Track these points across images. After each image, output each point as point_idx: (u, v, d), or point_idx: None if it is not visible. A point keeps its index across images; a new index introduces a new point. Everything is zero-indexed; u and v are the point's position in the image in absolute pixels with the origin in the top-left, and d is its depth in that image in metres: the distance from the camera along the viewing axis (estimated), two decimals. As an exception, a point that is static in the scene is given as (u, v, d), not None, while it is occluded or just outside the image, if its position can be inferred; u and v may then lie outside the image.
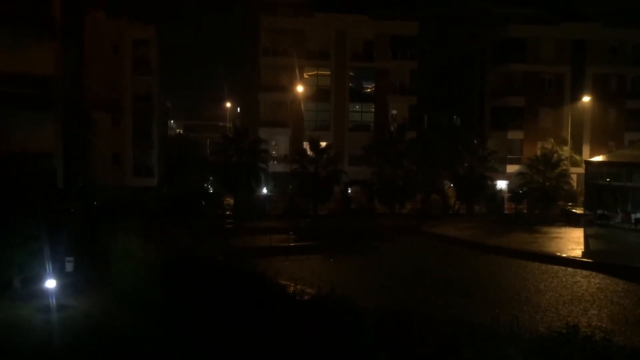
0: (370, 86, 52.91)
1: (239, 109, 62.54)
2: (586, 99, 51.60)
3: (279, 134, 50.97)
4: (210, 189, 45.63)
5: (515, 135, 53.42)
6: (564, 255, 30.15)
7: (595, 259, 29.12)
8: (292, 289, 15.07)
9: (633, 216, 37.97)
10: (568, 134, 51.86)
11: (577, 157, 50.53)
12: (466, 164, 46.74)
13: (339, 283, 21.53)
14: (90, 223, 25.48)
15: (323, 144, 45.80)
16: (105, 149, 46.21)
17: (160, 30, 50.88)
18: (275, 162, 49.19)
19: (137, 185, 46.50)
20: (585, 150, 52.89)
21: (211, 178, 45.00)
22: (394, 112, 53.28)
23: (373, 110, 52.55)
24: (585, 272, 27.04)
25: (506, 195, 49.57)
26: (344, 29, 51.33)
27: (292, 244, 33.26)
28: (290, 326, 12.45)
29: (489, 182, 47.46)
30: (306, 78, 51.29)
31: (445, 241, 35.56)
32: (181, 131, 73.92)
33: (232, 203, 45.56)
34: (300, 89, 49.93)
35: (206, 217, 39.43)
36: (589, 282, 25.42)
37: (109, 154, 47.33)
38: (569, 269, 27.79)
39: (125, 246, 20.17)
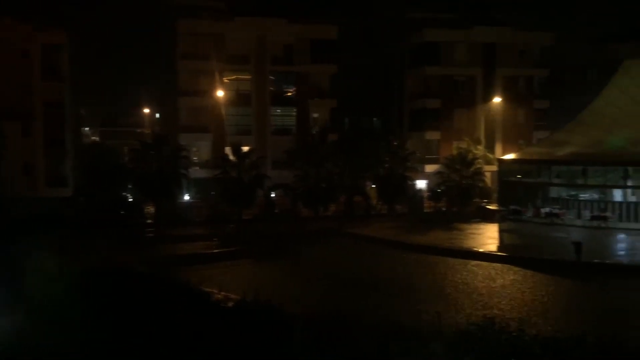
0: (291, 90, 53.03)
1: (158, 114, 61.02)
2: (497, 99, 54.00)
3: (200, 140, 50.18)
4: (130, 197, 44.25)
5: (432, 136, 55.10)
6: (480, 250, 31.42)
7: (509, 252, 30.56)
8: (216, 296, 14.89)
9: (542, 210, 40.19)
10: (481, 133, 54.08)
11: (491, 156, 52.63)
12: (387, 165, 47.72)
13: (264, 288, 21.45)
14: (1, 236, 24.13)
15: (245, 148, 45.40)
16: (15, 159, 44.03)
17: (73, 35, 48.87)
18: (197, 168, 48.36)
19: (50, 195, 44.43)
20: (498, 148, 55.22)
21: (130, 186, 43.63)
22: (316, 115, 53.61)
23: (295, 113, 52.71)
24: (500, 266, 28.30)
25: (426, 194, 50.89)
26: (263, 32, 51.24)
27: (217, 251, 32.85)
28: (215, 334, 12.30)
29: (409, 182, 48.68)
30: (227, 82, 50.79)
31: (368, 241, 36.19)
32: (97, 139, 71.22)
33: (154, 211, 44.42)
34: (220, 93, 49.38)
35: (126, 226, 38.27)
36: (504, 275, 26.63)
37: (19, 164, 45.06)
38: (486, 263, 28.98)
39: (40, 260, 19.26)
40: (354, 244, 36.02)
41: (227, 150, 46.05)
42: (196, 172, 47.45)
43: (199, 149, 50.41)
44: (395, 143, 48.72)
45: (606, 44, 63.88)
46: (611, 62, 55.07)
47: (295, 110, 52.66)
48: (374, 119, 62.00)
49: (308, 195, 44.94)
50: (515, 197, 42.50)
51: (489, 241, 34.11)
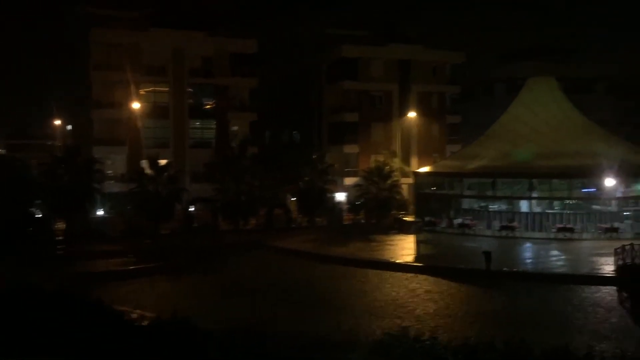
0: (210, 103, 52.42)
1: (70, 127, 58.50)
2: (412, 114, 55.72)
3: (115, 153, 48.54)
4: (39, 213, 42.04)
5: (351, 149, 56.03)
6: (397, 261, 32.09)
7: (425, 263, 31.42)
8: (130, 315, 14.36)
9: (455, 221, 41.66)
10: (398, 147, 55.55)
11: (407, 169, 54.09)
12: (307, 178, 48.01)
13: (182, 304, 20.99)
14: None
15: (163, 161, 44.33)
16: None
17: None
18: (112, 181, 46.71)
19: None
20: (414, 161, 56.90)
21: (39, 201, 41.47)
22: (235, 128, 53.16)
23: (214, 126, 52.07)
24: (416, 276, 29.03)
25: (345, 207, 51.59)
26: (180, 44, 50.41)
27: (132, 267, 31.75)
28: (128, 355, 11.85)
29: (329, 195, 49.20)
30: (143, 94, 49.50)
31: (288, 254, 36.17)
32: (4, 151, 67.47)
33: (65, 227, 42.42)
34: (136, 105, 48.05)
35: (35, 243, 36.31)
36: (420, 284, 27.35)
37: None
38: (402, 273, 29.63)
39: None
40: (274, 257, 35.84)
41: (144, 163, 44.80)
42: (111, 186, 45.82)
43: (114, 162, 48.75)
44: (314, 156, 49.09)
45: (510, 62, 67.75)
46: (517, 79, 58.43)
47: (214, 123, 52.04)
48: (294, 132, 62.33)
49: (228, 209, 44.44)
50: (430, 208, 43.80)
51: (406, 252, 34.88)
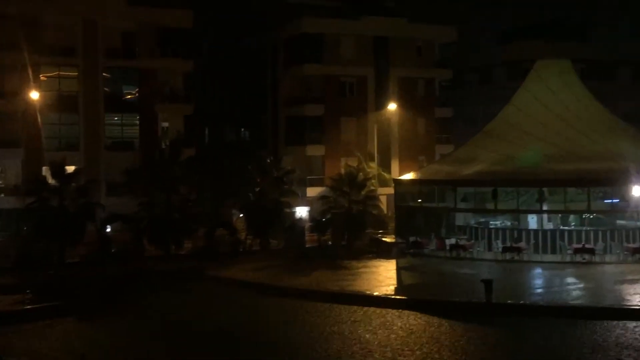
0: (133, 92, 51.89)
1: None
2: (392, 106, 56.07)
3: (7, 157, 47.55)
4: None
5: (315, 150, 56.22)
6: (374, 293, 32.01)
7: (409, 295, 31.40)
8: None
9: (447, 242, 41.87)
10: (375, 148, 55.79)
11: (386, 175, 54.53)
12: (258, 189, 47.86)
13: (93, 354, 20.43)
14: None
15: (71, 168, 43.59)
16: None
17: None
18: (1, 195, 45.74)
19: None
20: (395, 166, 57.51)
21: None
22: (166, 124, 52.85)
23: (138, 122, 51.59)
24: (397, 312, 28.93)
25: (308, 225, 51.57)
26: (93, 16, 49.69)
27: (29, 307, 30.92)
28: None
29: (287, 210, 49.12)
30: (44, 80, 48.67)
31: (234, 286, 35.95)
32: None
33: None
34: (35, 95, 47.07)
35: None
36: (403, 322, 27.25)
37: None
38: (380, 309, 29.54)
39: None
40: (215, 290, 35.49)
41: (45, 170, 43.97)
42: (2, 201, 44.92)
43: (5, 170, 47.77)
44: (268, 160, 48.99)
45: (513, 42, 68.61)
46: (522, 62, 59.30)
47: (138, 117, 51.51)
48: (242, 129, 62.30)
49: (156, 229, 43.84)
50: (416, 226, 43.97)
51: (385, 282, 34.85)
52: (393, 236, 45.71)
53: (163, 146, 48.95)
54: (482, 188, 41.73)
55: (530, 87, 47.79)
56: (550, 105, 46.05)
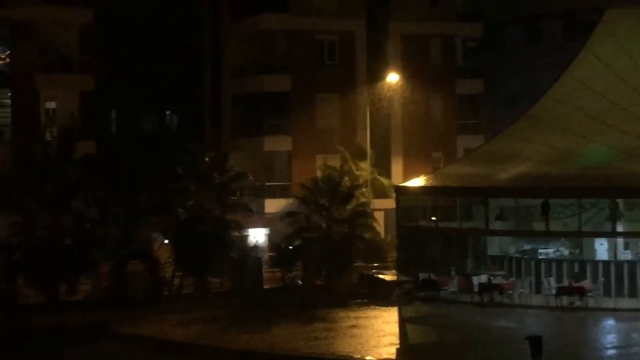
0: (2, 55, 51.50)
1: None
2: (392, 78, 56.00)
3: None
4: None
5: (277, 144, 56.10)
6: (366, 358, 31.84)
7: (418, 361, 31.24)
8: None
9: (476, 280, 41.76)
10: (367, 140, 55.57)
11: (384, 181, 54.43)
12: (192, 202, 47.53)
13: None
14: None
15: None
16: None
17: None
18: None
19: None
20: (397, 168, 57.50)
21: None
22: (52, 105, 52.43)
23: (9, 101, 51.30)
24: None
25: (267, 256, 51.40)
26: None
27: None
28: None
29: (235, 234, 48.74)
30: None
31: (151, 348, 35.99)
32: None
33: None
34: None
35: None
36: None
37: None
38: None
39: None
40: (124, 354, 35.26)
41: None
42: None
43: None
44: (206, 159, 48.60)
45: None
46: (582, 12, 59.32)
47: (9, 94, 51.34)
48: (167, 113, 61.81)
49: (36, 263, 43.48)
50: (429, 257, 43.86)
51: (382, 341, 34.86)
52: (394, 272, 45.62)
53: (48, 138, 48.45)
54: (527, 200, 41.63)
55: (597, 48, 47.66)
56: (626, 76, 46.01)
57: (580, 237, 41.62)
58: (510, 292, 40.85)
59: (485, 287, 40.97)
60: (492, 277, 41.49)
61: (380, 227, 51.38)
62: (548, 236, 41.98)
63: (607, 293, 40.02)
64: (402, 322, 37.38)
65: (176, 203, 47.56)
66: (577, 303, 39.26)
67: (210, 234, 47.03)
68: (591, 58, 47.49)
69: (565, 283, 40.12)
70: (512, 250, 43.32)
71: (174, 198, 47.49)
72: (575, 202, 40.48)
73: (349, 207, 48.04)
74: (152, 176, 47.77)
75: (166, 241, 48.50)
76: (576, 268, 40.96)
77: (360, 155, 54.06)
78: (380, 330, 36.95)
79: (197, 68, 60.24)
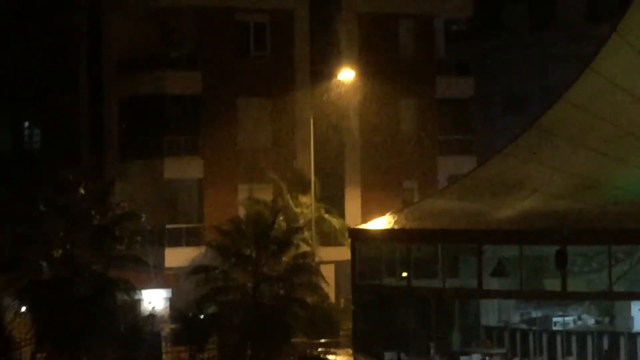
0: None
1: None
2: (346, 75, 56.02)
3: None
4: None
5: (184, 169, 56.19)
6: None
7: None
8: None
9: (465, 361, 41.81)
10: (311, 163, 55.31)
11: (335, 222, 54.52)
12: (60, 251, 46.96)
13: None
14: None
15: None
16: None
17: None
18: None
19: None
20: (352, 202, 57.61)
21: None
22: None
23: None
24: None
25: (168, 329, 51.29)
26: None
27: None
28: None
29: (123, 297, 48.17)
30: None
31: None
32: None
33: None
34: None
35: None
36: None
37: None
38: None
39: None
40: None
41: None
42: None
43: None
44: (81, 190, 48.13)
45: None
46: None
47: None
48: (25, 125, 61.19)
49: None
50: (397, 328, 43.89)
51: None
52: (349, 351, 45.63)
53: None
54: (537, 248, 41.83)
55: (632, 34, 48.10)
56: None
57: (611, 300, 41.74)
58: (513, 379, 40.94)
59: (481, 372, 41.04)
60: (487, 358, 41.47)
61: (329, 287, 51.09)
62: (566, 299, 42.15)
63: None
64: None
65: (37, 254, 46.93)
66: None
67: (86, 298, 46.52)
68: (624, 47, 47.83)
69: (591, 365, 40.24)
70: (515, 320, 43.51)
71: (33, 247, 46.89)
72: (604, 251, 40.61)
73: (284, 258, 47.65)
74: (3, 214, 47.37)
75: (23, 308, 47.82)
76: (606, 344, 41.01)
77: (301, 185, 53.92)
78: None
79: (69, 61, 59.86)
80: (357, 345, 44.64)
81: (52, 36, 59.70)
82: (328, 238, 52.90)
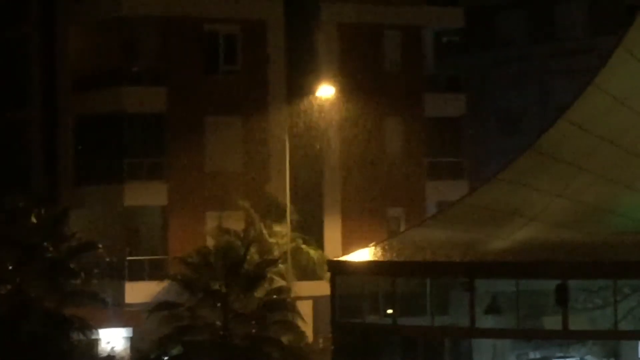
0: None
1: None
2: (326, 91, 55.99)
3: None
4: None
5: (146, 195, 56.14)
6: None
7: None
8: None
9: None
10: (286, 189, 55.27)
11: (313, 253, 54.41)
12: (9, 287, 46.86)
13: None
14: None
15: None
16: None
17: None
18: None
19: None
20: (332, 232, 57.64)
21: None
22: None
23: None
24: None
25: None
26: None
27: None
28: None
29: (79, 337, 48.09)
30: None
31: None
32: None
33: None
34: None
35: None
36: None
37: None
38: None
39: None
40: None
41: None
42: None
43: None
44: (33, 219, 48.05)
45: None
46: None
47: None
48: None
49: None
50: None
51: None
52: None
53: None
54: (535, 282, 41.86)
55: (638, 48, 48.25)
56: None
57: (616, 340, 41.78)
58: None
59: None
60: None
61: (306, 326, 50.99)
62: (567, 338, 42.15)
63: None
64: None
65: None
66: None
67: (38, 337, 46.45)
68: (631, 62, 48.00)
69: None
70: (512, 361, 43.31)
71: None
72: (609, 285, 40.67)
73: (257, 294, 47.62)
74: None
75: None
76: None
77: (276, 212, 53.87)
78: None
79: (20, 75, 59.79)
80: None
81: (2, 48, 59.60)
82: (305, 271, 52.81)
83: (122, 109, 55.98)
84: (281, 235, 52.70)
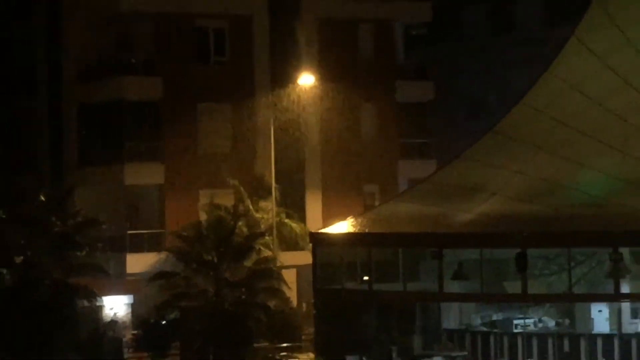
0: None
1: None
2: (306, 79, 56.13)
3: None
4: None
5: (144, 175, 56.30)
6: None
7: None
8: None
9: (426, 365, 41.91)
10: (271, 168, 55.25)
11: (296, 226, 54.61)
12: (21, 258, 46.79)
13: None
14: None
15: None
16: None
17: None
18: None
19: None
20: (313, 207, 57.78)
21: None
22: None
23: None
24: None
25: (130, 335, 51.29)
26: None
27: None
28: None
29: (84, 304, 48.04)
30: None
31: None
32: None
33: None
34: None
35: None
36: None
37: None
38: None
39: None
40: None
41: None
42: None
43: None
44: (41, 198, 47.98)
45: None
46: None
47: None
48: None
49: None
50: (360, 333, 43.81)
51: None
52: (311, 355, 45.67)
53: None
54: (497, 251, 41.94)
55: (590, 37, 48.08)
56: (632, 75, 46.46)
57: (571, 302, 41.93)
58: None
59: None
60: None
61: (291, 292, 51.11)
62: (526, 301, 42.23)
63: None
64: None
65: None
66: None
67: (47, 305, 46.37)
68: (582, 51, 47.87)
69: (551, 367, 40.37)
70: (476, 322, 43.61)
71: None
72: (564, 253, 40.74)
73: (246, 264, 47.68)
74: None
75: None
76: (566, 345, 41.18)
77: (262, 190, 53.94)
78: None
79: (27, 67, 59.63)
80: (319, 349, 44.57)
81: (11, 41, 59.39)
82: (289, 243, 52.96)
83: (121, 97, 55.89)
84: (267, 210, 52.90)
